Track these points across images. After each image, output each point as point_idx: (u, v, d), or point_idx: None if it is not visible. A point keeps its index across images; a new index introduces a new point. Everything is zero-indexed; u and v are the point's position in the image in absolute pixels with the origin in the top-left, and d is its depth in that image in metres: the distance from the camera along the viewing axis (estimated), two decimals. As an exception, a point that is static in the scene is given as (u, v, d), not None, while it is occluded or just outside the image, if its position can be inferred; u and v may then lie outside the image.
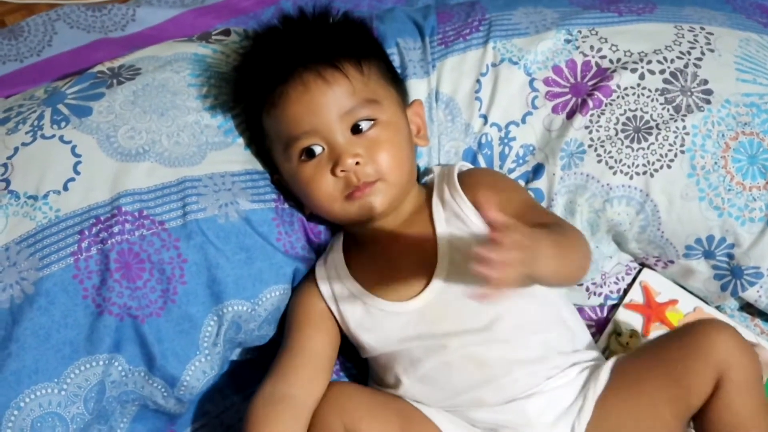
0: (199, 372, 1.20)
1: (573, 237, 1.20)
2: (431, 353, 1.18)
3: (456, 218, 1.23)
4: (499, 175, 1.35)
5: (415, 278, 1.21)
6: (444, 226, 1.23)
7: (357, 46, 1.25)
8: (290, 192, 1.29)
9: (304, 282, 1.30)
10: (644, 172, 1.31)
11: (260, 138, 1.28)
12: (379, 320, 1.22)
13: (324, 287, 1.26)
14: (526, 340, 1.18)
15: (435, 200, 1.26)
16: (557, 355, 1.19)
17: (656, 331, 1.38)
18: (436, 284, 1.20)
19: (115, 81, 1.29)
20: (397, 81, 1.32)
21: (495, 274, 0.96)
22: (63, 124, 1.23)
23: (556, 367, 1.18)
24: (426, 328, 1.19)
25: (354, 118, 1.20)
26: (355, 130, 1.21)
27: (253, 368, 1.34)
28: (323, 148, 1.21)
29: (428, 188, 1.30)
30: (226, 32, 1.42)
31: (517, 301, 1.17)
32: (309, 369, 1.20)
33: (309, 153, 1.21)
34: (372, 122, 1.22)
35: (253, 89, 1.25)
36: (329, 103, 1.19)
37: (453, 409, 1.19)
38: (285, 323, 1.29)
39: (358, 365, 1.34)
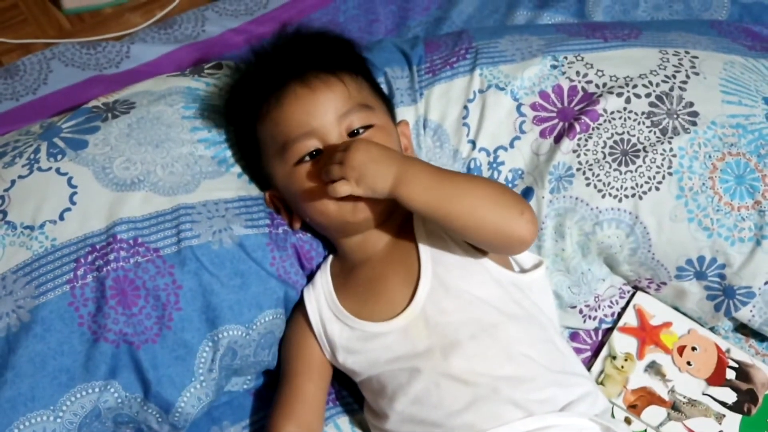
0: (195, 398, 1.20)
1: (481, 184, 1.21)
2: (416, 374, 1.17)
3: (438, 229, 1.23)
4: None
5: (399, 296, 1.21)
6: (425, 239, 1.23)
7: (350, 60, 1.29)
8: (283, 207, 1.30)
9: (296, 311, 1.30)
10: (633, 195, 1.32)
11: (253, 153, 1.29)
12: (365, 343, 1.22)
13: (313, 314, 1.27)
14: (513, 356, 1.17)
15: (416, 215, 1.26)
16: (546, 372, 1.17)
17: (651, 353, 1.39)
18: (420, 299, 1.19)
19: (110, 115, 1.31)
20: (385, 99, 1.34)
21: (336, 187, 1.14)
22: (59, 156, 1.25)
23: (548, 398, 1.15)
24: (411, 346, 1.18)
25: (350, 121, 1.22)
26: (352, 135, 1.23)
27: (250, 399, 1.34)
28: (321, 150, 1.22)
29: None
30: (218, 66, 1.44)
31: (503, 317, 1.18)
32: (311, 411, 1.25)
33: (307, 155, 1.22)
34: (368, 128, 1.24)
35: (250, 99, 1.26)
36: (326, 105, 1.22)
37: None
38: (281, 353, 1.31)
39: (353, 393, 1.33)
